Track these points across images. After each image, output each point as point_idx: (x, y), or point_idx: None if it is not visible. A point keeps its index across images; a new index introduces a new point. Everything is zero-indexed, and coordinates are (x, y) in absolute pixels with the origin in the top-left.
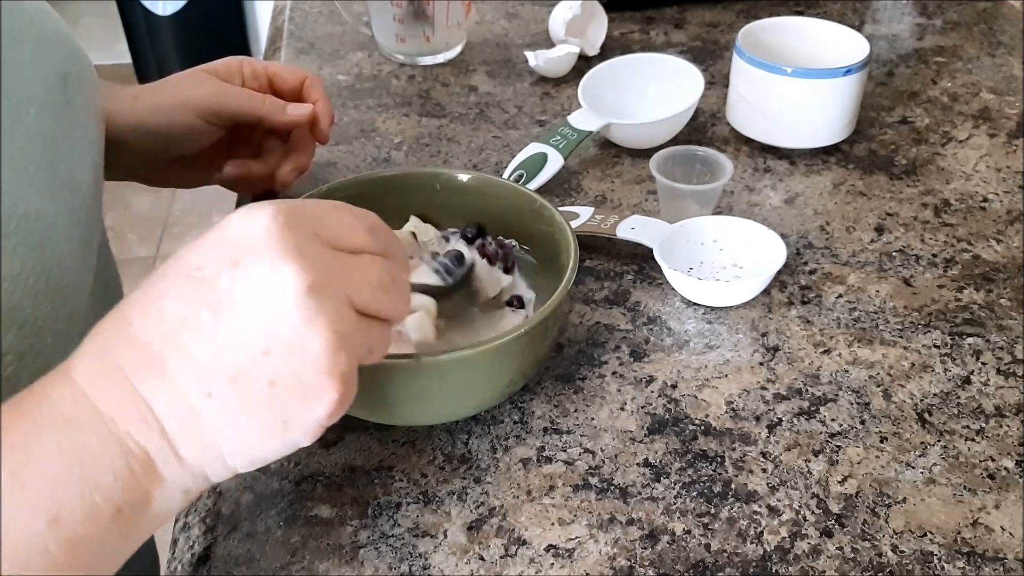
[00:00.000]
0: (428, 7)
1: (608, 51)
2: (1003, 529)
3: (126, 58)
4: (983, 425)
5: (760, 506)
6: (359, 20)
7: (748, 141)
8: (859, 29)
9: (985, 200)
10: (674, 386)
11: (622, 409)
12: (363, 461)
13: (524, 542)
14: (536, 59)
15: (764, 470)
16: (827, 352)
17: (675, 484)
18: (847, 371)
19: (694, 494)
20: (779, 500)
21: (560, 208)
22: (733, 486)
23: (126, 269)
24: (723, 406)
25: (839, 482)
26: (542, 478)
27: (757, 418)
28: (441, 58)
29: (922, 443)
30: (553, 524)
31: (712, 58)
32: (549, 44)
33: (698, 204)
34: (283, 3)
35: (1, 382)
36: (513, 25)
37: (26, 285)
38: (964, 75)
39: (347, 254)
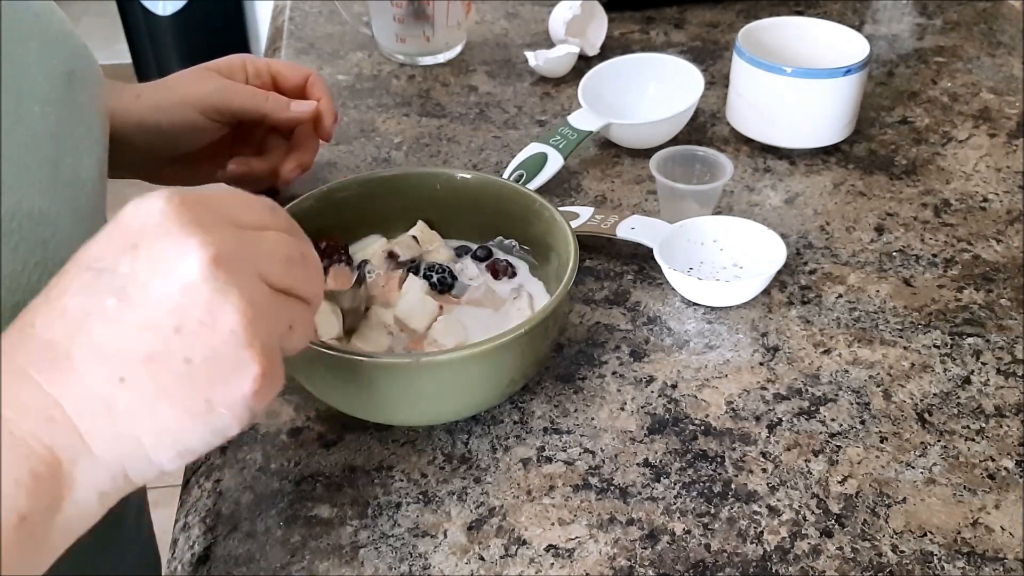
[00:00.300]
0: (428, 7)
1: (608, 51)
2: (1003, 529)
3: (126, 58)
4: (983, 425)
5: (760, 506)
6: (359, 20)
7: (748, 141)
8: (859, 29)
9: (985, 200)
10: (674, 386)
11: (622, 409)
12: (363, 461)
13: (524, 542)
14: (536, 59)
15: (764, 470)
16: (827, 352)
17: (675, 484)
18: (847, 371)
19: (694, 494)
20: (779, 500)
21: (560, 208)
22: (733, 486)
23: None
24: (723, 406)
25: (839, 482)
26: (542, 478)
27: (757, 418)
28: (441, 58)
29: (922, 443)
30: (553, 524)
31: (712, 58)
32: (549, 44)
33: (698, 204)
34: (283, 3)
35: None
36: (513, 25)
37: (28, 283)
38: (964, 75)
39: (251, 231)
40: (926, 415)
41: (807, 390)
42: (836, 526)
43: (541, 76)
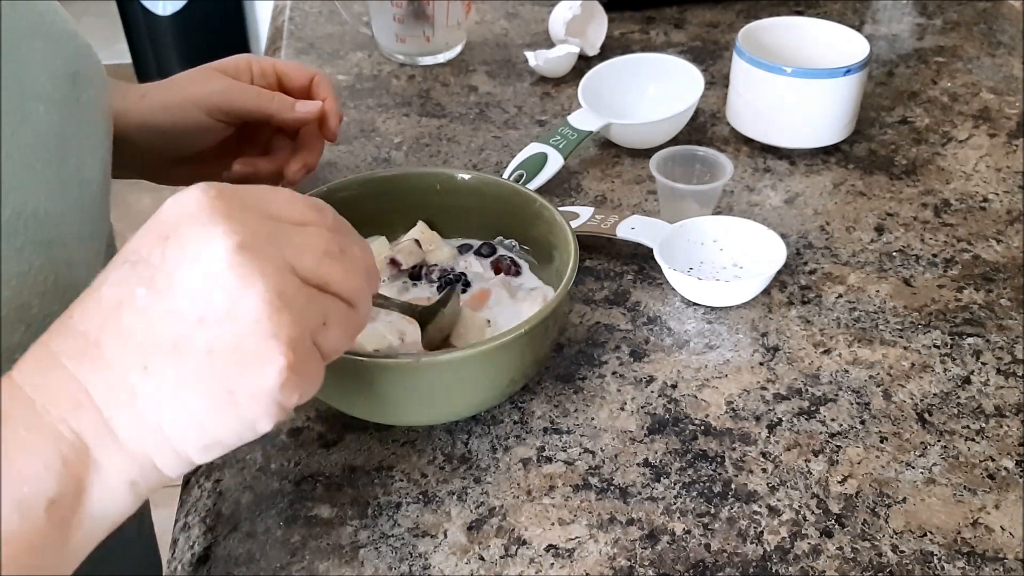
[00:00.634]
0: (428, 7)
1: (608, 51)
2: (1003, 529)
3: (126, 58)
4: (983, 425)
5: (760, 506)
6: (359, 20)
7: (748, 141)
8: (859, 29)
9: (985, 200)
10: (674, 386)
11: (622, 409)
12: (363, 461)
13: (524, 542)
14: (536, 59)
15: (764, 470)
16: (827, 352)
17: (675, 484)
18: (847, 371)
19: (694, 494)
20: (779, 500)
21: (560, 208)
22: (733, 486)
23: None
24: (723, 406)
25: (839, 482)
26: (542, 478)
27: (757, 418)
28: (441, 58)
29: (922, 443)
30: (553, 524)
31: (712, 58)
32: (549, 44)
33: (698, 204)
34: (283, 3)
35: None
36: (513, 25)
37: (34, 284)
38: (964, 75)
39: (287, 223)
40: (926, 415)
41: (807, 390)
42: (836, 526)
43: (541, 76)
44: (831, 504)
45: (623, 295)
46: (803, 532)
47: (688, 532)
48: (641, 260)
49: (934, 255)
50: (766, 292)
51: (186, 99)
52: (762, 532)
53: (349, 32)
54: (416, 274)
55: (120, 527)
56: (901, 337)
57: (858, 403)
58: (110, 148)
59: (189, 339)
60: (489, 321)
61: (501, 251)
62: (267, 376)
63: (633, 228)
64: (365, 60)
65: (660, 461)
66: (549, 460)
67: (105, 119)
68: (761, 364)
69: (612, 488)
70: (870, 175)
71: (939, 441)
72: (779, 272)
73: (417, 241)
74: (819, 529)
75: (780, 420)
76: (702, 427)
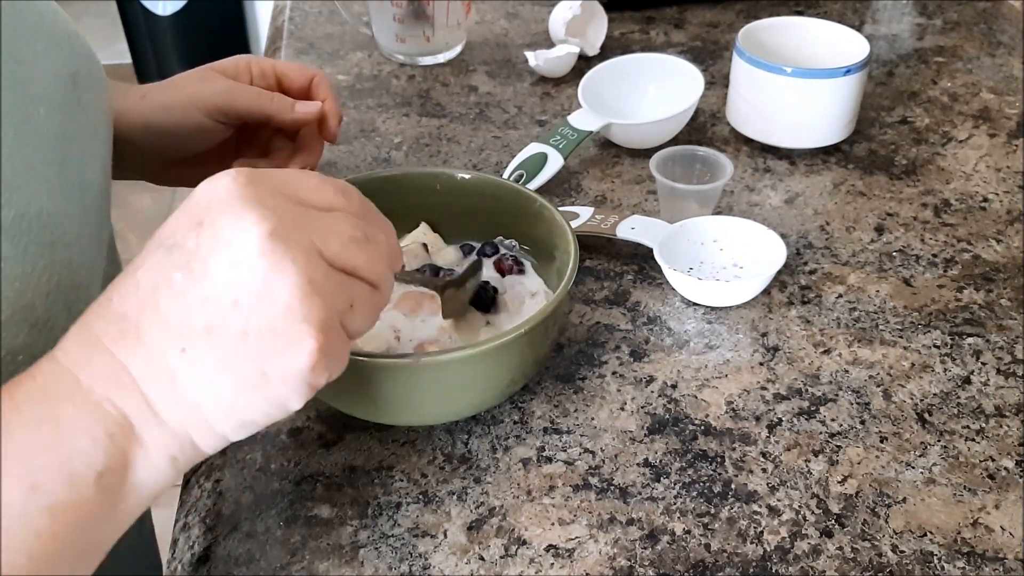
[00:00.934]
0: (428, 7)
1: (608, 51)
2: (1003, 529)
3: (126, 58)
4: (983, 425)
5: (760, 506)
6: (359, 20)
7: (748, 141)
8: (859, 29)
9: (985, 200)
10: (674, 386)
11: (622, 409)
12: (363, 461)
13: (524, 542)
14: (536, 59)
15: (764, 470)
16: (827, 352)
17: (675, 484)
18: (847, 371)
19: (694, 494)
20: (779, 500)
21: (560, 208)
22: (733, 486)
23: None
24: (723, 406)
25: (839, 482)
26: (542, 478)
27: (757, 418)
28: (441, 58)
29: (922, 443)
30: (553, 524)
31: (712, 58)
32: (549, 44)
33: (698, 204)
34: (283, 3)
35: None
36: (513, 25)
37: (38, 284)
38: (964, 75)
39: (315, 209)
40: (926, 415)
41: (807, 390)
42: (836, 526)
43: (541, 76)
44: (831, 504)
45: (623, 295)
46: (803, 532)
47: (688, 532)
48: (641, 260)
49: (934, 255)
50: (766, 292)
51: (186, 100)
52: (762, 532)
53: (349, 32)
54: (433, 271)
55: None
56: (901, 337)
57: (858, 403)
58: (110, 150)
59: (224, 323)
60: (488, 322)
61: (503, 250)
62: (299, 358)
63: (633, 228)
64: (365, 60)
65: (660, 461)
66: (549, 460)
67: (106, 120)
68: (761, 364)
69: (612, 488)
70: (870, 175)
71: (939, 441)
72: (779, 272)
73: (425, 245)
74: (819, 529)
75: (780, 420)
76: (702, 427)
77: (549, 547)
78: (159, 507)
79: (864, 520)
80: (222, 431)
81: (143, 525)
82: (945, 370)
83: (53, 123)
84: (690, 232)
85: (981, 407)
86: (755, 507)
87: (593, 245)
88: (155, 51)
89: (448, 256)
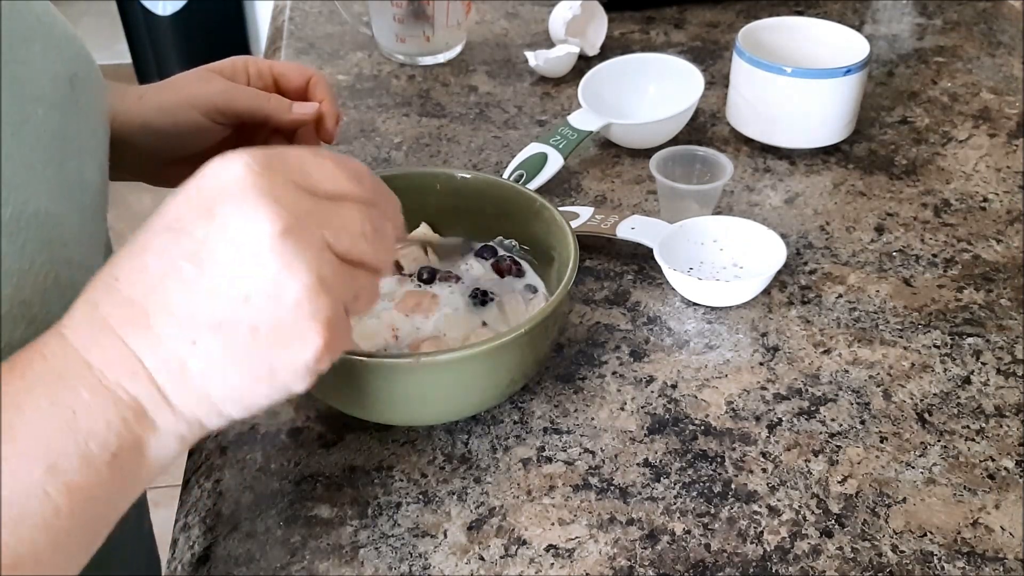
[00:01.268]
0: (428, 7)
1: (608, 51)
2: (1003, 529)
3: (126, 58)
4: (983, 425)
5: (760, 506)
6: (359, 20)
7: (748, 141)
8: (859, 29)
9: (985, 200)
10: (674, 386)
11: (622, 409)
12: (363, 461)
13: (524, 542)
14: (536, 59)
15: (764, 470)
16: (827, 352)
17: (675, 484)
18: (847, 371)
19: (694, 494)
20: (779, 500)
21: (560, 208)
22: (733, 486)
23: None
24: (723, 406)
25: (839, 482)
26: (542, 478)
27: (757, 418)
28: (441, 58)
29: (922, 443)
30: (553, 524)
31: (712, 58)
32: (549, 44)
33: (698, 204)
34: (283, 3)
35: None
36: (513, 25)
37: (35, 281)
38: (964, 75)
39: (326, 200)
40: (926, 415)
41: (807, 390)
42: (836, 526)
43: (541, 76)
44: (831, 504)
45: (623, 295)
46: (803, 532)
47: (688, 532)
48: (641, 260)
49: (934, 255)
50: (766, 292)
51: (183, 100)
52: (762, 532)
53: (349, 32)
54: (429, 278)
55: (120, 527)
56: (901, 337)
57: (858, 403)
58: (107, 151)
59: (234, 317)
60: (485, 322)
61: (502, 252)
62: (306, 353)
63: (633, 228)
64: (365, 60)
65: (660, 461)
66: (549, 460)
67: (103, 121)
68: (761, 364)
69: (612, 488)
70: (870, 175)
71: (939, 441)
72: (779, 272)
73: (425, 247)
74: (819, 529)
75: (780, 420)
76: (702, 427)
77: (549, 547)
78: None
79: (864, 520)
80: (229, 414)
81: (142, 525)
82: (945, 370)
83: (51, 123)
84: (690, 232)
85: (981, 407)
86: (755, 507)
87: (593, 245)
88: (155, 51)
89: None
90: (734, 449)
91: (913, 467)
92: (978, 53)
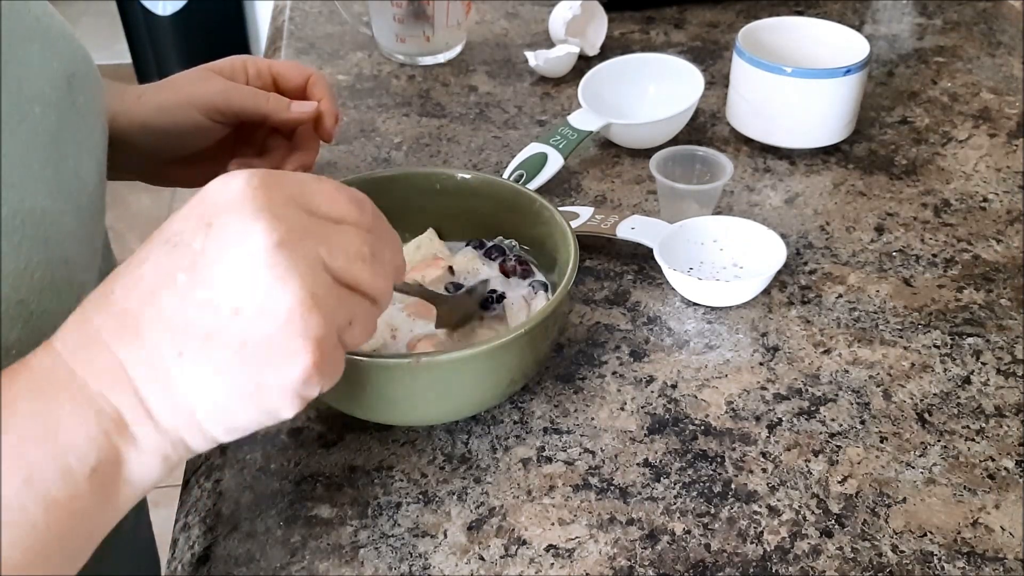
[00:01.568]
0: (428, 7)
1: (608, 51)
2: (1003, 529)
3: (126, 58)
4: (983, 425)
5: (760, 506)
6: (359, 20)
7: (748, 141)
8: (859, 29)
9: (985, 200)
10: (674, 386)
11: (622, 409)
12: (363, 461)
13: (524, 542)
14: (536, 59)
15: (764, 470)
16: (827, 352)
17: (675, 484)
18: (847, 371)
19: (694, 494)
20: (779, 500)
21: (560, 208)
22: (733, 486)
23: None
24: (723, 406)
25: (839, 482)
26: (542, 478)
27: (757, 418)
28: (441, 58)
29: (922, 443)
30: (553, 524)
31: (712, 58)
32: (549, 44)
33: (698, 204)
34: (283, 3)
35: None
36: (513, 25)
37: (31, 280)
38: (964, 75)
39: (325, 220)
40: (926, 415)
41: (807, 390)
42: (836, 526)
43: (541, 76)
44: (831, 504)
45: (623, 295)
46: (803, 532)
47: (688, 532)
48: (641, 260)
49: (934, 255)
50: (766, 292)
51: (182, 100)
52: (762, 532)
53: (349, 32)
54: (455, 291)
55: (119, 527)
56: (901, 337)
57: (858, 403)
58: (105, 150)
59: (223, 330)
60: (482, 316)
61: (510, 253)
62: (293, 372)
63: (633, 228)
64: (365, 60)
65: (660, 461)
66: (549, 460)
67: (101, 121)
68: (761, 364)
69: (612, 488)
70: (870, 175)
71: (939, 441)
72: (779, 272)
73: (450, 267)
74: (819, 529)
75: (780, 420)
76: (702, 427)
77: (549, 547)
78: (159, 507)
79: (864, 520)
80: (213, 434)
81: (141, 525)
82: (945, 370)
83: (48, 123)
84: (690, 232)
85: (981, 407)
86: (755, 507)
87: (593, 245)
88: (155, 51)
89: (456, 263)
90: (734, 449)
91: (913, 467)
92: (978, 53)
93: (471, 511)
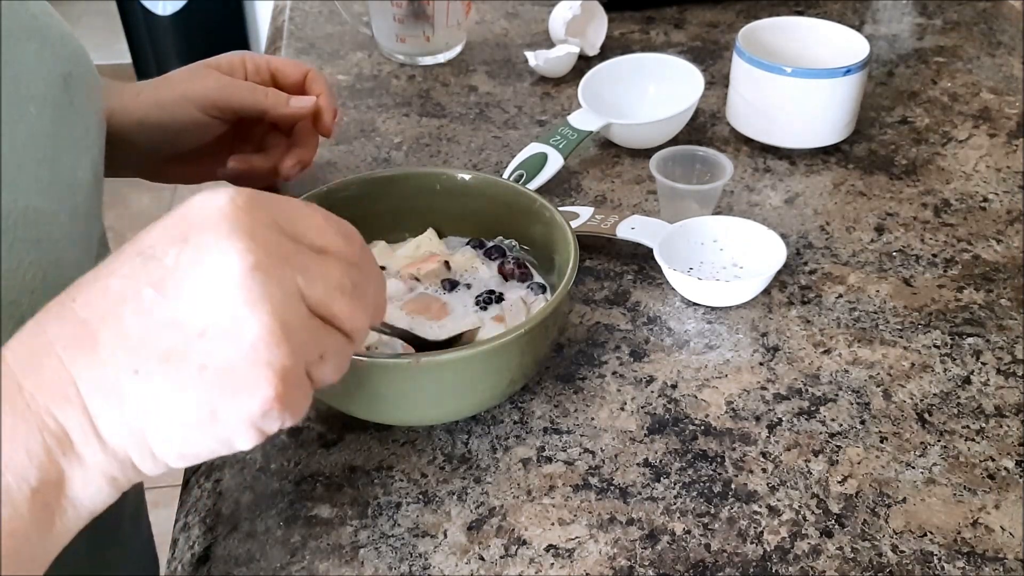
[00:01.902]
0: (428, 7)
1: (608, 51)
2: (1003, 529)
3: (126, 58)
4: (983, 425)
5: (760, 506)
6: (359, 20)
7: (748, 141)
8: (859, 29)
9: (985, 200)
10: (674, 386)
11: (622, 409)
12: (363, 461)
13: (524, 542)
14: (536, 59)
15: (764, 470)
16: (827, 352)
17: (675, 484)
18: (847, 371)
19: (694, 494)
20: (779, 500)
21: (560, 208)
22: (733, 486)
23: None
24: (723, 406)
25: (839, 482)
26: (542, 478)
27: (757, 418)
28: (441, 58)
29: (922, 443)
30: (553, 524)
31: (712, 58)
32: (549, 44)
33: (698, 204)
34: (283, 3)
35: None
36: (513, 25)
37: (24, 281)
38: (964, 75)
39: (307, 249)
40: (926, 415)
41: (807, 390)
42: (836, 526)
43: (541, 76)
44: (831, 504)
45: (623, 295)
46: (803, 532)
47: (688, 532)
48: (641, 260)
49: (934, 255)
50: (766, 292)
51: (180, 96)
52: (762, 532)
53: (349, 32)
54: (451, 288)
55: (117, 527)
56: (901, 337)
57: (858, 403)
58: (102, 150)
59: (184, 351)
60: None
61: (509, 254)
62: (252, 403)
63: (633, 228)
64: (365, 60)
65: (660, 461)
66: (549, 460)
67: (97, 121)
68: (761, 364)
69: (612, 488)
70: (870, 175)
71: (939, 441)
72: (779, 272)
73: (447, 263)
74: (819, 529)
75: (780, 420)
76: (702, 427)
77: (549, 547)
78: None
79: (864, 520)
80: (163, 458)
81: (139, 525)
82: (945, 370)
83: (44, 122)
84: (690, 232)
85: (981, 407)
86: (755, 507)
87: (593, 245)
88: (155, 51)
89: (455, 262)
90: (734, 449)
91: (913, 467)
92: (978, 53)
93: (471, 511)
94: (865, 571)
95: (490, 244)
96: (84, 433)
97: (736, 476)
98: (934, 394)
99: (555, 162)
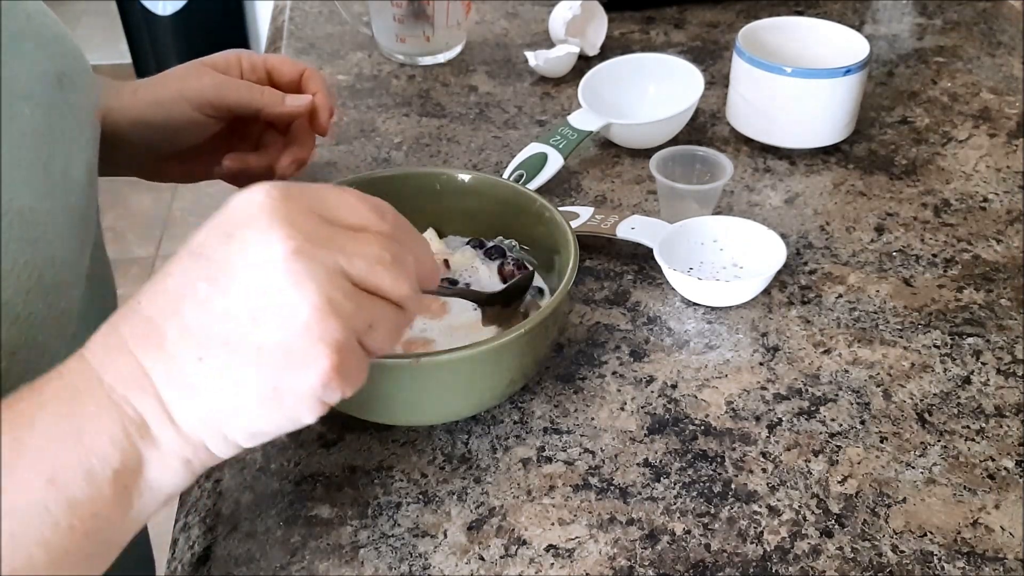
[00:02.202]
0: (428, 7)
1: (608, 51)
2: (1003, 529)
3: (126, 58)
4: (983, 425)
5: (760, 506)
6: (359, 20)
7: (748, 141)
8: (859, 29)
9: (985, 200)
10: (674, 386)
11: (622, 409)
12: (363, 461)
13: (524, 542)
14: (536, 59)
15: (764, 470)
16: (827, 352)
17: (675, 484)
18: (847, 371)
19: (694, 494)
20: (779, 500)
21: (560, 208)
22: (733, 486)
23: (126, 269)
24: (723, 406)
25: (839, 482)
26: (542, 478)
27: (757, 418)
28: (441, 58)
29: (922, 443)
30: (553, 524)
31: (712, 58)
32: (549, 44)
33: (698, 204)
34: (283, 3)
35: None
36: (513, 25)
37: (18, 280)
38: (964, 75)
39: (344, 228)
40: (926, 415)
41: (807, 390)
42: (836, 526)
43: (541, 76)
44: (831, 504)
45: (623, 295)
46: (803, 532)
47: (688, 532)
48: (641, 260)
49: (934, 255)
50: (766, 292)
51: (176, 94)
52: (762, 532)
53: (349, 32)
54: (451, 284)
55: None
56: (901, 337)
57: (858, 403)
58: (96, 150)
59: (242, 336)
60: (526, 312)
61: (510, 255)
62: (311, 376)
63: (633, 228)
64: (365, 60)
65: (660, 461)
66: (549, 460)
67: (92, 121)
68: (761, 364)
69: (612, 488)
70: (870, 175)
71: (939, 441)
72: (779, 272)
73: (446, 261)
74: (819, 529)
75: (780, 420)
76: (702, 427)
77: (549, 547)
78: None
79: (864, 520)
80: (234, 439)
81: None
82: (945, 370)
83: (38, 122)
84: (690, 232)
85: (981, 407)
86: (755, 507)
87: (593, 245)
88: (155, 51)
89: (455, 262)
90: (734, 449)
91: (913, 467)
92: (978, 53)
93: (471, 511)
94: (865, 571)
95: (490, 244)
96: (159, 419)
97: (736, 476)
98: (934, 394)
99: (555, 162)
